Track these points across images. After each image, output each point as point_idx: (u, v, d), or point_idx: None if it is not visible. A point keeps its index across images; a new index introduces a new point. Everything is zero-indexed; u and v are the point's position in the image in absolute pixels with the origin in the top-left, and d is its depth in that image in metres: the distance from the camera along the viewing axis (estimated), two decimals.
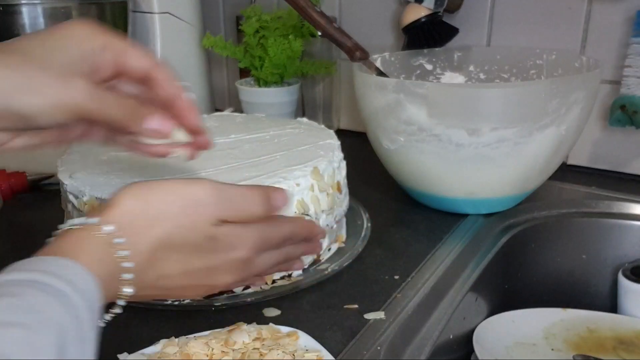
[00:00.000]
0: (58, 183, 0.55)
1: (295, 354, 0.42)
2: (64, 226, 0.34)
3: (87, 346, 0.28)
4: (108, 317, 0.35)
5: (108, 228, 0.33)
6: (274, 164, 0.54)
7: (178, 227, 0.36)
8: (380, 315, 0.48)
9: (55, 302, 0.27)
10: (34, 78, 0.35)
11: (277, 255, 0.43)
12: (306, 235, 0.45)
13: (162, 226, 0.35)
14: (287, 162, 0.54)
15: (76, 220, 0.34)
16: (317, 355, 0.42)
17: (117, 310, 0.35)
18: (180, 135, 0.42)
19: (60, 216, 0.56)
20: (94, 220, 0.34)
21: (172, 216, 0.36)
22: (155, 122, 0.39)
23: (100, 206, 0.37)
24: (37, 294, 0.27)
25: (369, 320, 0.48)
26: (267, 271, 0.44)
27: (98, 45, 0.39)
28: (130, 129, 0.39)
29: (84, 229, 0.33)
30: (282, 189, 0.42)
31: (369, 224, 0.64)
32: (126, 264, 0.34)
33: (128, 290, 0.34)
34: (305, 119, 0.69)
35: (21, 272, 0.29)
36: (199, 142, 0.44)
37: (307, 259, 0.55)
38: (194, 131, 0.43)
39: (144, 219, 0.35)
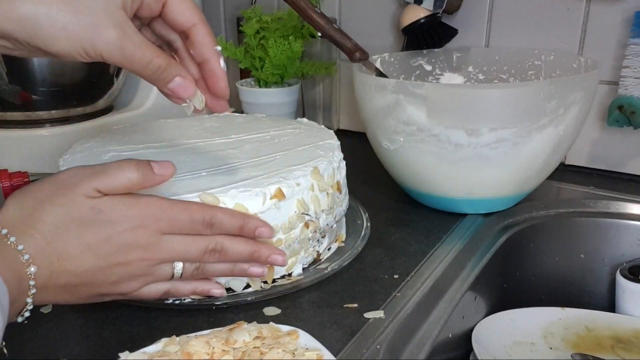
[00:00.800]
0: None
1: (295, 353, 0.42)
2: None
3: None
4: (20, 319, 0.37)
5: (4, 231, 0.36)
6: (274, 164, 0.54)
7: (55, 205, 0.37)
8: (379, 314, 0.49)
9: None
10: (65, 20, 0.34)
11: (199, 241, 0.42)
12: (239, 226, 0.44)
13: (40, 210, 0.37)
14: (287, 162, 0.55)
15: None
16: (317, 354, 0.42)
17: (32, 291, 0.36)
18: (197, 102, 0.43)
19: None
20: None
21: (47, 198, 0.37)
22: (179, 86, 0.40)
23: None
24: None
25: (369, 319, 0.48)
26: (210, 269, 0.44)
27: None
28: (153, 84, 0.40)
29: None
30: (165, 163, 0.41)
31: (369, 224, 0.64)
32: (19, 247, 0.36)
33: (32, 269, 0.36)
34: (305, 119, 0.69)
35: None
36: (217, 106, 0.46)
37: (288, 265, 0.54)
38: (217, 96, 0.44)
39: (25, 210, 0.37)
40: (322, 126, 0.66)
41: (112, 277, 0.40)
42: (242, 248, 0.45)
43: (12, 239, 0.36)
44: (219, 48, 0.43)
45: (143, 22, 0.42)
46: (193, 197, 0.46)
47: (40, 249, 0.37)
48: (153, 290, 0.44)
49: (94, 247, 0.38)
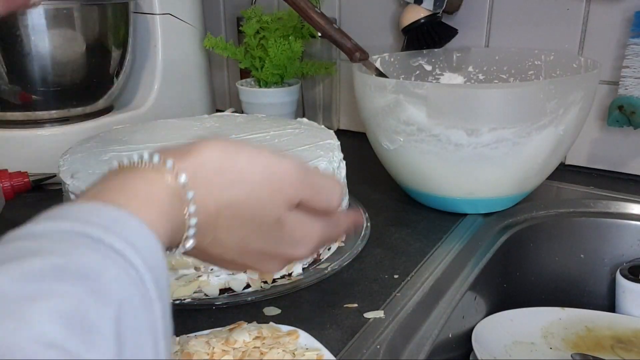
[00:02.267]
0: (60, 183, 0.55)
1: (295, 353, 0.42)
2: (122, 159, 0.29)
3: (157, 311, 0.24)
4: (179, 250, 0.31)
5: (182, 178, 0.28)
6: None
7: (254, 197, 0.31)
8: (379, 314, 0.49)
9: (114, 266, 0.22)
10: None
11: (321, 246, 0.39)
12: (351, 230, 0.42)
13: (239, 189, 0.31)
14: None
15: (136, 156, 0.28)
16: (317, 354, 0.42)
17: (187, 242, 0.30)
18: None
19: None
20: (169, 162, 0.28)
21: (253, 183, 0.31)
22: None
23: (172, 150, 0.30)
24: (89, 253, 0.22)
25: (369, 319, 0.48)
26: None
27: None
28: None
29: (151, 170, 0.28)
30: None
31: (369, 224, 0.64)
32: (192, 221, 0.29)
33: (186, 244, 0.30)
34: (305, 120, 0.69)
35: (64, 220, 0.23)
36: None
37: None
38: None
39: (223, 176, 0.30)
40: (322, 126, 0.66)
41: (232, 267, 0.38)
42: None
43: (191, 208, 0.29)
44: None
45: None
46: None
47: (205, 228, 0.30)
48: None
49: (246, 251, 0.34)
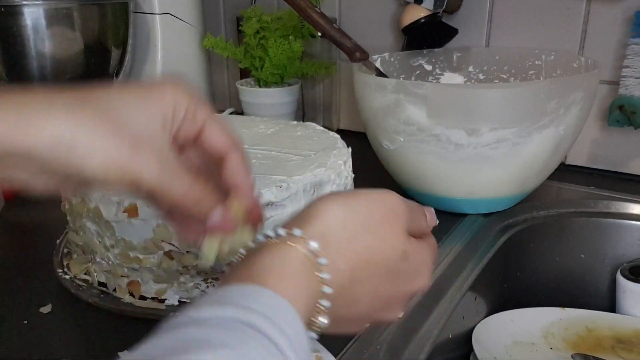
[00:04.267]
0: None
1: None
2: (259, 237, 0.30)
3: None
4: None
5: (313, 244, 0.28)
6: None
7: (379, 239, 0.31)
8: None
9: (265, 352, 0.23)
10: (103, 140, 0.29)
11: None
12: None
13: (363, 239, 0.31)
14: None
15: (271, 232, 0.29)
16: (317, 355, 0.42)
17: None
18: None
19: (61, 215, 0.56)
20: (297, 232, 0.29)
21: (374, 227, 0.31)
22: (216, 219, 0.34)
23: (297, 216, 0.31)
24: (258, 348, 0.23)
25: None
26: None
27: (182, 115, 0.33)
28: (191, 214, 0.34)
29: (285, 244, 0.29)
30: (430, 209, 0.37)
31: None
32: (325, 289, 0.28)
33: (321, 319, 0.29)
34: (319, 127, 0.66)
35: (228, 306, 0.24)
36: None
37: None
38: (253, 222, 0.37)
39: (347, 231, 0.30)
40: (338, 139, 0.61)
41: (355, 327, 0.35)
42: None
43: (325, 275, 0.28)
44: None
45: (184, 144, 0.36)
46: None
47: (340, 293, 0.29)
48: None
49: (377, 300, 0.32)
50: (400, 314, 0.35)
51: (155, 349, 0.22)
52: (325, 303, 0.28)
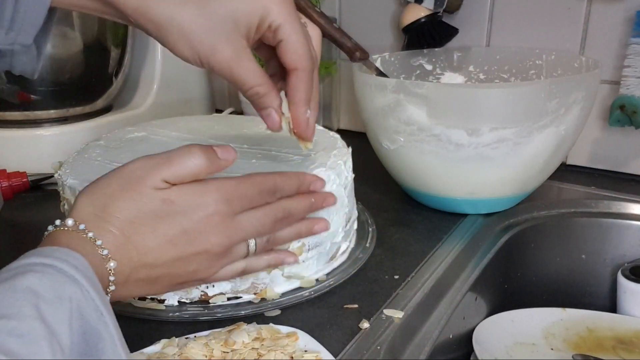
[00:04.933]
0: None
1: (293, 356, 0.42)
2: (50, 228, 0.37)
3: (106, 316, 0.31)
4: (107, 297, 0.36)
5: (69, 222, 0.36)
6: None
7: (126, 200, 0.37)
8: (399, 314, 0.48)
9: (67, 279, 0.31)
10: (192, 34, 0.38)
11: (269, 212, 0.41)
12: (297, 186, 0.44)
13: (112, 206, 0.37)
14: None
15: (57, 222, 0.37)
16: (316, 356, 0.42)
17: (111, 287, 0.36)
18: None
19: (60, 216, 0.56)
20: (57, 222, 0.37)
21: (116, 194, 0.37)
22: (267, 117, 0.44)
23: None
24: (53, 273, 0.31)
25: (369, 319, 0.48)
26: (280, 237, 0.44)
27: (266, 27, 0.40)
28: (252, 104, 0.44)
29: (55, 230, 0.36)
30: (227, 147, 0.40)
31: (374, 227, 0.64)
32: (98, 242, 0.36)
33: (111, 264, 0.36)
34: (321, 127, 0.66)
35: (39, 256, 0.32)
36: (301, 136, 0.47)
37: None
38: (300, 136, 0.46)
39: (97, 207, 0.37)
40: (338, 140, 0.62)
41: (191, 266, 0.39)
42: (302, 204, 0.44)
43: (90, 234, 0.35)
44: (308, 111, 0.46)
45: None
46: None
47: (119, 244, 0.36)
48: (229, 271, 0.43)
49: (172, 238, 0.38)
50: (219, 239, 0.39)
51: None
52: (104, 251, 0.35)
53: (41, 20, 0.40)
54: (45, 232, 0.37)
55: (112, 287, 0.36)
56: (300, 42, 0.41)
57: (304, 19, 0.47)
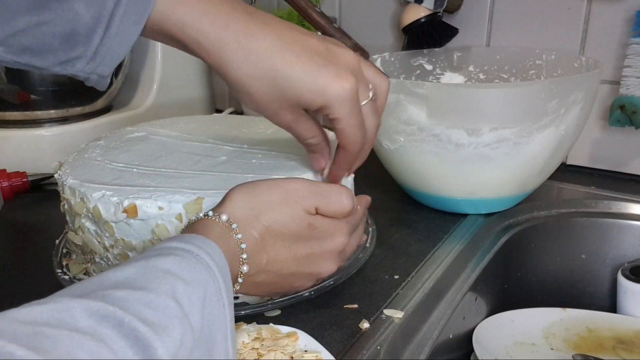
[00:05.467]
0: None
1: (293, 356, 0.42)
2: (192, 219, 0.40)
3: (226, 310, 0.33)
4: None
5: (224, 217, 0.39)
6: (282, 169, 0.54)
7: (280, 215, 0.40)
8: (399, 314, 0.49)
9: (203, 269, 0.33)
10: (264, 96, 0.43)
11: (358, 235, 0.48)
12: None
13: (266, 215, 0.40)
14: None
15: (201, 214, 0.40)
16: (316, 356, 0.42)
17: (236, 287, 0.39)
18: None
19: (60, 216, 0.56)
20: (210, 213, 0.39)
21: (275, 206, 0.40)
22: (314, 160, 0.50)
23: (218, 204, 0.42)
24: (192, 260, 0.33)
25: (369, 319, 0.48)
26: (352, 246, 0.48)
27: (325, 108, 0.43)
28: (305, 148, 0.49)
29: (207, 219, 0.39)
30: (363, 198, 0.49)
31: (374, 227, 0.64)
32: (242, 245, 0.39)
33: (244, 268, 0.39)
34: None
35: (180, 242, 0.34)
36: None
37: None
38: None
39: (252, 210, 0.40)
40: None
41: (298, 282, 0.44)
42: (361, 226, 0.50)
43: (239, 235, 0.38)
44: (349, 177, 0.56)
45: None
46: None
47: (255, 250, 0.39)
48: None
49: (298, 257, 0.42)
50: (334, 268, 0.44)
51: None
52: (244, 256, 0.39)
53: (124, 54, 0.42)
54: (194, 218, 0.40)
55: (237, 287, 0.39)
56: (352, 133, 0.44)
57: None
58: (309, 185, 0.42)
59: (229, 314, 0.33)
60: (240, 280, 0.39)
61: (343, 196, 0.43)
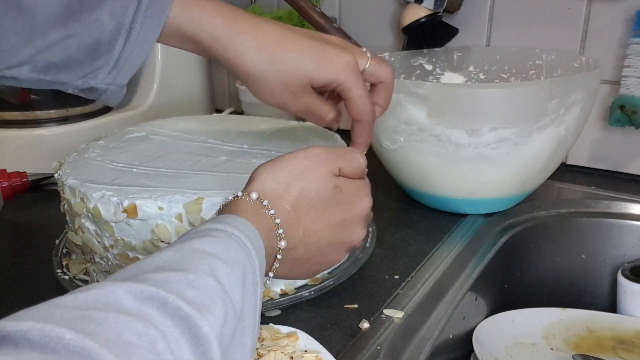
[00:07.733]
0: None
1: (293, 356, 0.42)
2: (229, 197, 0.40)
3: (258, 288, 0.34)
4: (270, 273, 0.40)
5: (254, 195, 0.39)
6: None
7: (308, 183, 0.41)
8: (399, 314, 0.49)
9: (238, 247, 0.33)
10: (274, 86, 0.45)
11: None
12: None
13: (295, 186, 0.40)
14: None
15: (230, 196, 0.40)
16: (316, 356, 0.42)
17: (276, 265, 0.39)
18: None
19: (60, 216, 0.56)
20: (239, 194, 0.40)
21: (301, 175, 0.41)
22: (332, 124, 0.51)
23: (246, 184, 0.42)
24: (227, 238, 0.33)
25: (369, 319, 0.48)
26: None
27: (331, 87, 0.47)
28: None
29: (238, 200, 0.39)
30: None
31: (374, 227, 0.64)
32: (277, 220, 0.38)
33: (282, 243, 0.39)
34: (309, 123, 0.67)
35: (213, 223, 0.35)
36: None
37: None
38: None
39: (280, 183, 0.40)
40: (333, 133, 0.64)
41: (336, 253, 0.44)
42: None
43: (272, 211, 0.38)
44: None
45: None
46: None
47: (291, 223, 0.39)
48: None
49: (332, 224, 0.42)
50: (363, 233, 0.45)
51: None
52: (279, 231, 0.39)
53: (143, 60, 0.43)
54: (224, 200, 0.40)
55: (277, 265, 0.39)
56: (363, 102, 0.47)
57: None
58: (327, 150, 0.43)
59: (259, 291, 0.34)
60: (279, 257, 0.39)
61: (358, 155, 0.45)
